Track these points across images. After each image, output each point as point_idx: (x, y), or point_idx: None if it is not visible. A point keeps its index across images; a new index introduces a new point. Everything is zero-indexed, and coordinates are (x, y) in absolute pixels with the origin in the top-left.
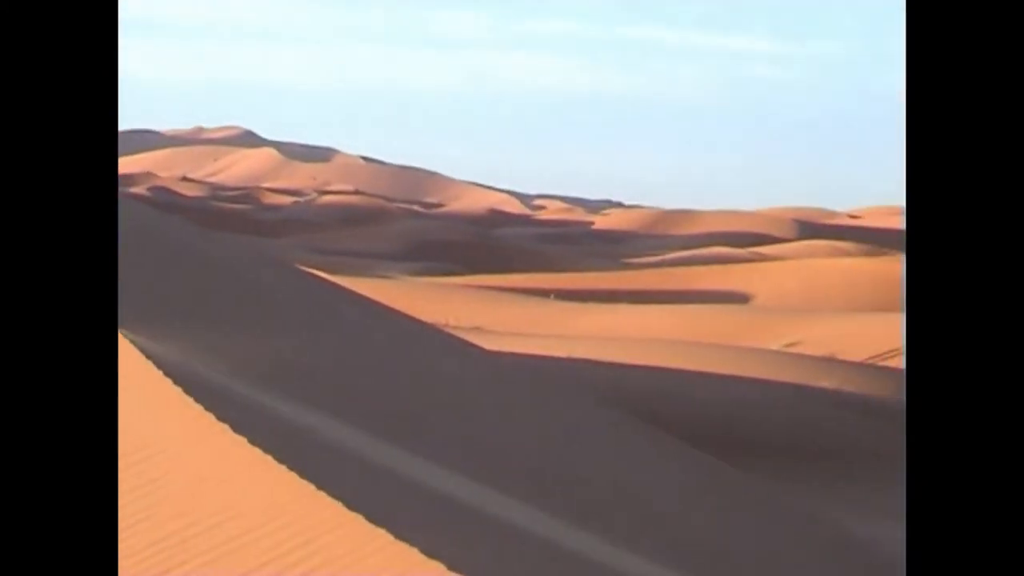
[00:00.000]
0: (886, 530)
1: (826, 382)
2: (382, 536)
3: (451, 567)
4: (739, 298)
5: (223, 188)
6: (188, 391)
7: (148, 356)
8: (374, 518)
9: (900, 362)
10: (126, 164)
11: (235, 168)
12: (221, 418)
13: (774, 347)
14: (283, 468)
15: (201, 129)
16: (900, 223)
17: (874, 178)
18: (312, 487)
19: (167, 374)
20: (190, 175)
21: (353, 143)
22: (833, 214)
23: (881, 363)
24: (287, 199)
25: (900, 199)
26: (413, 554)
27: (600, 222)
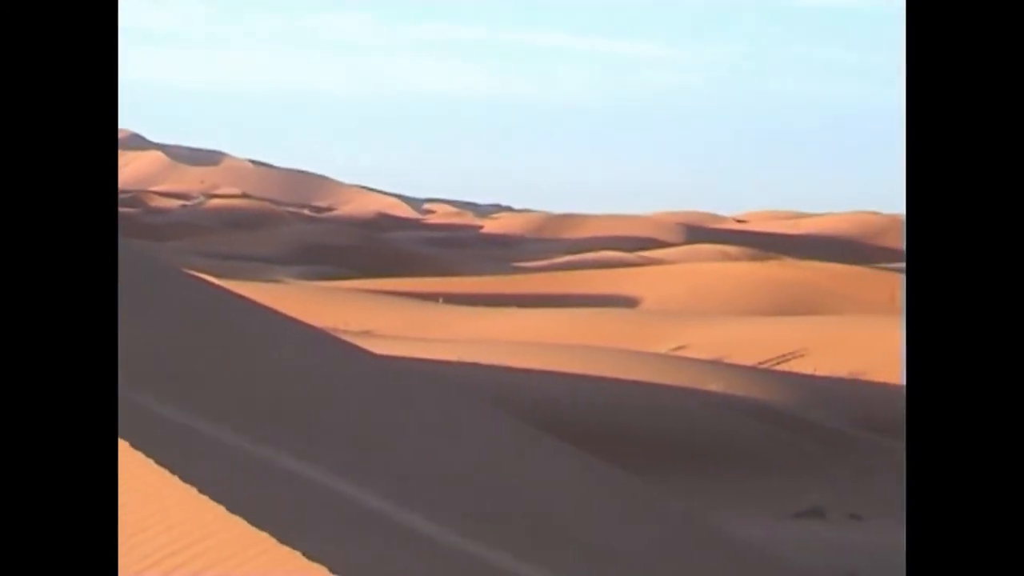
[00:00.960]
0: (772, 530)
1: (713, 385)
2: (265, 539)
3: (333, 570)
4: (627, 302)
5: None
6: None
7: None
8: (257, 521)
9: (792, 367)
10: None
11: (121, 171)
12: None
13: (662, 351)
14: (165, 471)
15: None
16: (785, 228)
17: (760, 183)
18: (195, 490)
19: None
20: None
21: (241, 146)
22: (720, 219)
23: (775, 368)
24: (175, 203)
25: (786, 204)
26: (296, 557)
27: (489, 226)
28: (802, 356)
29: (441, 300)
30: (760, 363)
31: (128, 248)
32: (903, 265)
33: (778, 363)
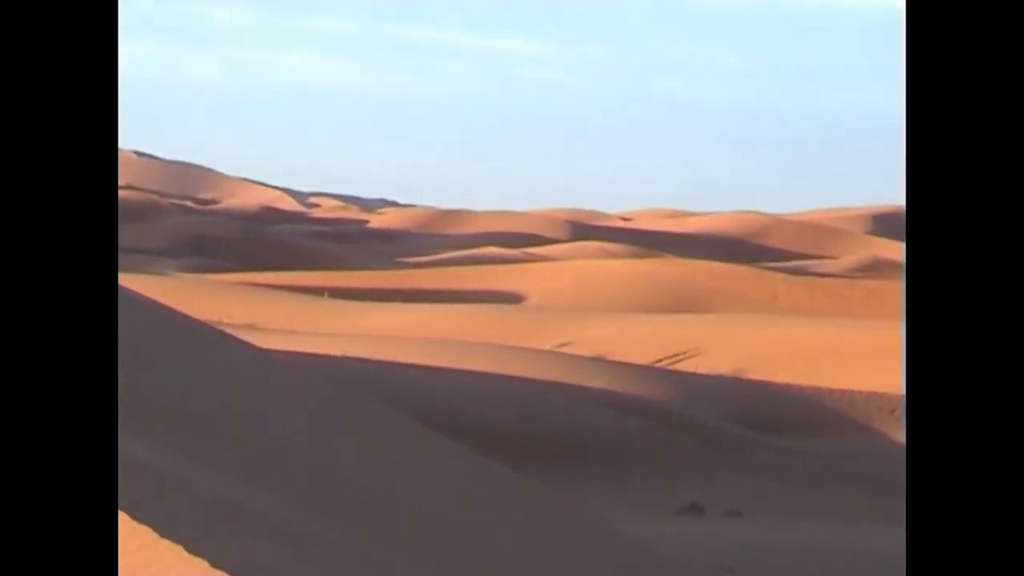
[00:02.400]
0: (654, 527)
1: (596, 382)
2: (146, 533)
3: (214, 564)
4: (512, 298)
5: None
6: None
7: None
8: (138, 515)
9: (685, 366)
10: None
11: None
12: None
13: (546, 347)
14: None
15: None
16: (669, 226)
17: (645, 181)
18: None
19: None
20: None
21: (124, 137)
22: (605, 216)
23: (669, 367)
24: None
25: (670, 202)
26: (177, 551)
27: (375, 221)
28: (696, 356)
29: (326, 294)
30: (655, 362)
31: None
32: (784, 264)
33: (672, 362)
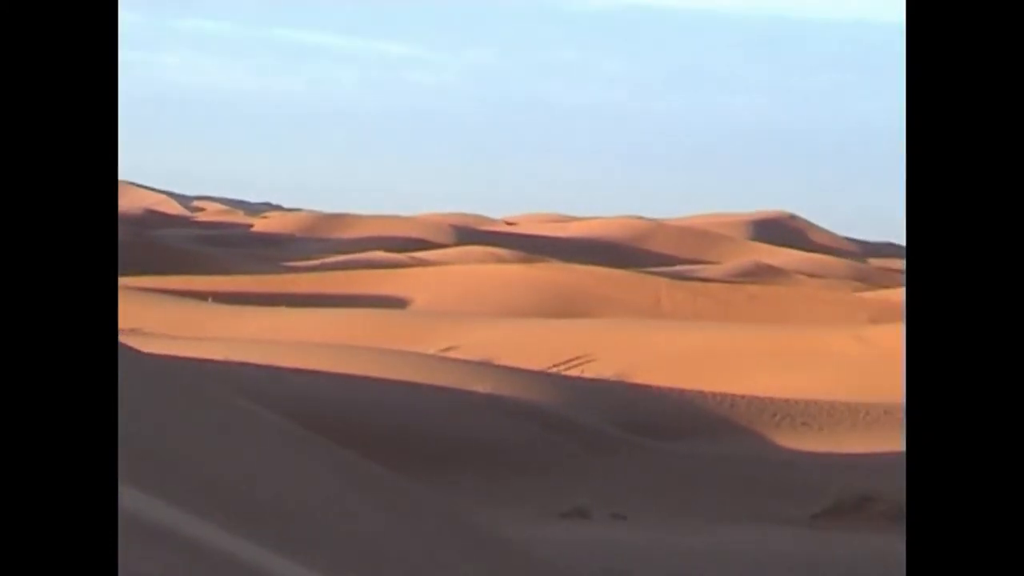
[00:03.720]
0: (539, 531)
1: (481, 386)
2: None
3: None
4: (397, 303)
5: None
6: None
7: None
8: None
9: (579, 371)
10: None
11: None
12: None
13: (431, 351)
14: None
15: None
16: (554, 230)
17: (529, 185)
18: None
19: None
20: None
21: None
22: (490, 221)
23: (581, 375)
24: None
25: (554, 207)
26: None
27: (260, 225)
28: (589, 362)
29: (210, 299)
30: (549, 368)
31: None
32: (667, 269)
33: (564, 369)
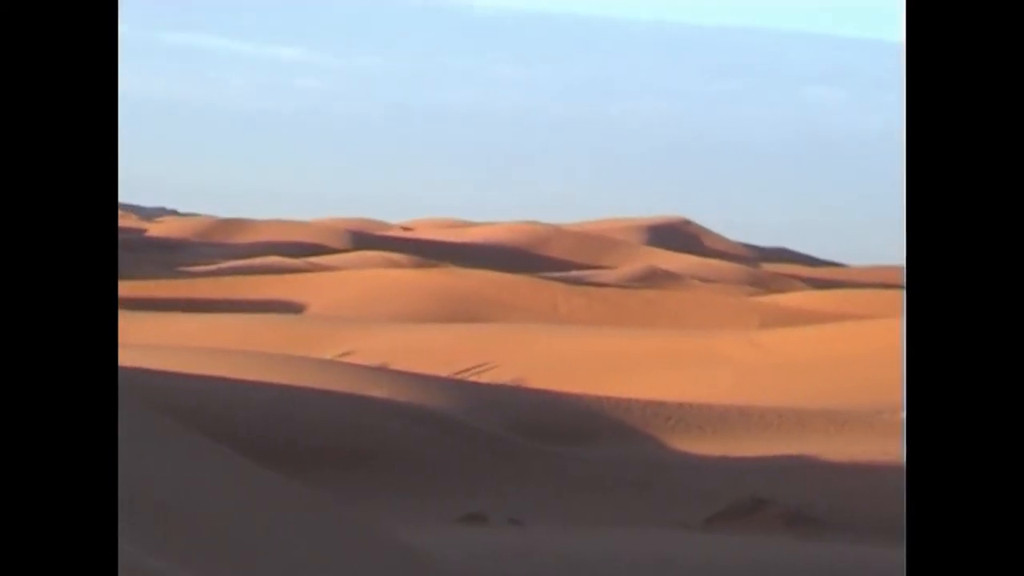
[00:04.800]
0: (436, 536)
1: (378, 391)
2: None
3: None
4: (294, 308)
5: None
6: None
7: None
8: None
9: (483, 378)
10: None
11: None
12: None
13: (327, 356)
14: None
15: None
16: (450, 235)
17: (425, 190)
18: None
19: None
20: None
21: None
22: (386, 225)
23: (478, 380)
24: None
25: (451, 212)
26: None
27: (154, 229)
28: (491, 369)
29: None
30: (457, 373)
31: None
32: (564, 274)
33: (465, 376)
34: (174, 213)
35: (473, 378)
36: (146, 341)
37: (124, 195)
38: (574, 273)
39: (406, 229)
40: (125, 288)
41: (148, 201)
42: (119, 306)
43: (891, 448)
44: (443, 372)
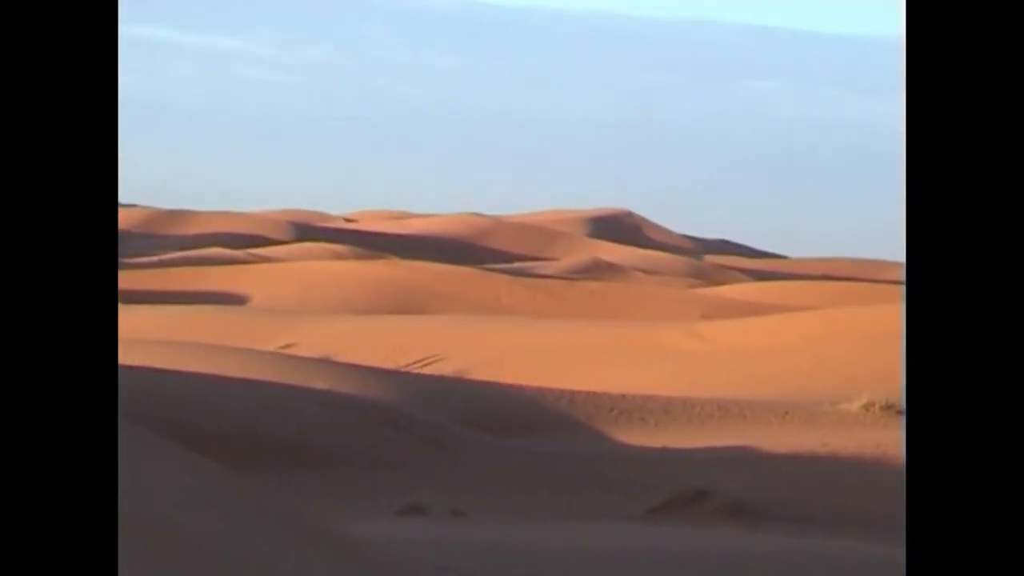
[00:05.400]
0: (377, 528)
1: (321, 383)
2: None
3: None
4: (236, 299)
5: None
6: None
7: None
8: None
9: (426, 370)
10: None
11: None
12: None
13: (270, 348)
14: None
15: None
16: (393, 227)
17: (367, 182)
18: None
19: None
20: None
21: None
22: (328, 217)
23: (426, 371)
24: None
25: (393, 203)
26: None
27: None
28: (438, 361)
29: None
30: (404, 366)
31: None
32: (506, 266)
33: (415, 367)
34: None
35: (416, 370)
36: None
37: None
38: (517, 265)
39: (348, 221)
40: None
41: None
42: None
43: (831, 439)
44: (386, 364)
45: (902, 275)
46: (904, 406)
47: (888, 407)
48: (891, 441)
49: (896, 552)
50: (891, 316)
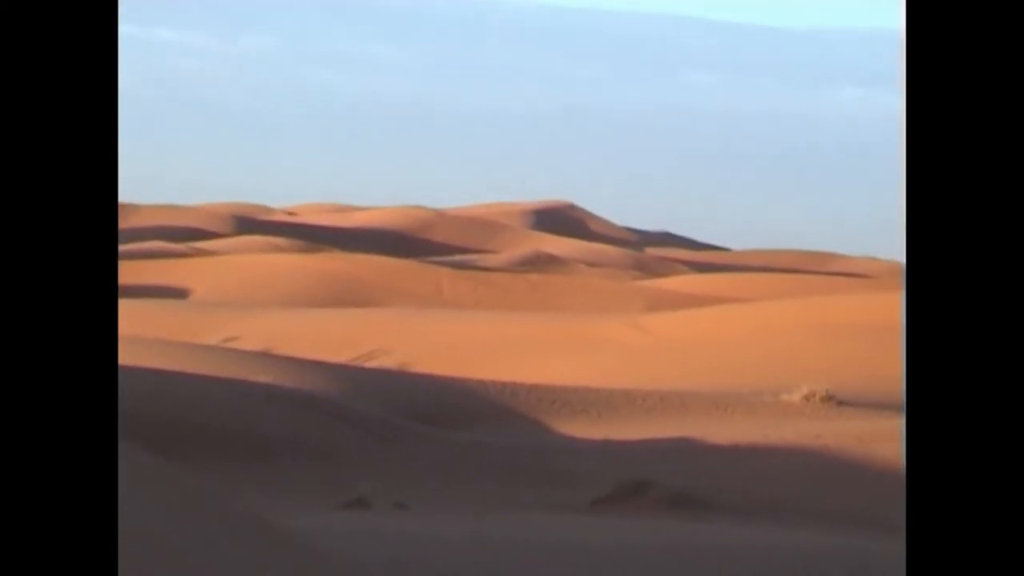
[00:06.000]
0: (319, 521)
1: (262, 376)
2: None
3: None
4: (178, 293)
5: None
6: None
7: None
8: None
9: (369, 364)
10: None
11: None
12: None
13: (211, 342)
14: None
15: None
16: (335, 220)
17: (309, 175)
18: None
19: None
20: None
21: None
22: (270, 210)
23: (369, 365)
24: None
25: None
26: None
27: None
28: (381, 356)
29: None
30: (353, 359)
31: None
32: (449, 258)
33: (369, 359)
34: None
35: (359, 363)
36: None
37: None
38: (459, 257)
39: (290, 214)
40: None
41: None
42: None
43: (772, 430)
44: (328, 357)
45: (843, 267)
46: (904, 406)
47: (828, 398)
48: (831, 432)
49: (836, 540)
50: (832, 308)
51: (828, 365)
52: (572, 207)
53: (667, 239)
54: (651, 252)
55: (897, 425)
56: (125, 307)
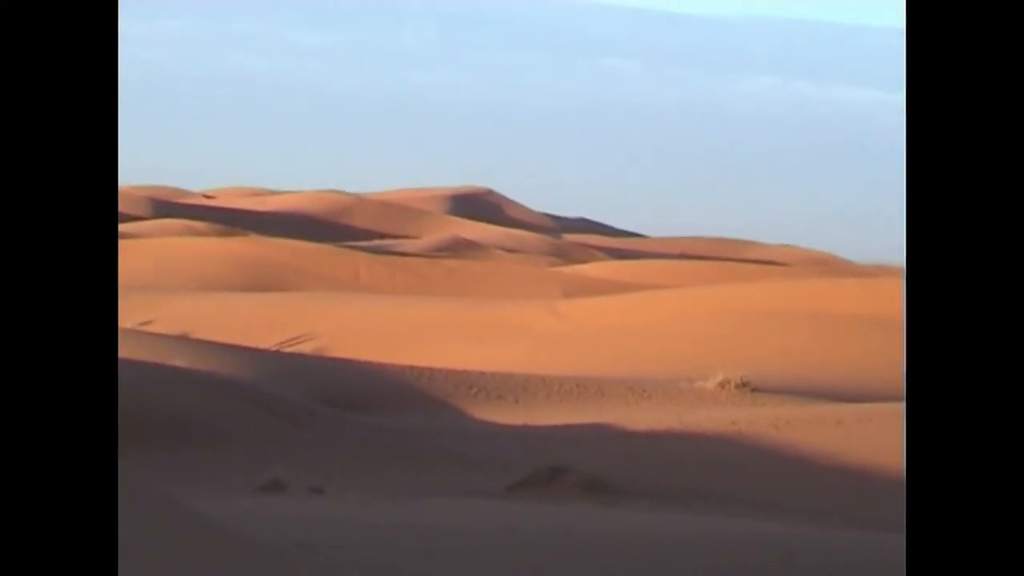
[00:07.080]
0: (235, 504)
1: (178, 360)
2: None
3: None
4: None
5: None
6: None
7: None
8: None
9: (298, 347)
10: None
11: None
12: None
13: (127, 325)
14: None
15: None
16: (252, 204)
17: (226, 158)
18: None
19: None
20: None
21: None
22: (187, 193)
23: (286, 349)
24: None
25: (252, 180)
26: None
27: None
28: (301, 337)
29: None
30: (279, 344)
31: None
32: (366, 243)
33: (295, 344)
34: None
35: (275, 348)
36: None
37: None
38: (376, 242)
39: (207, 197)
40: None
41: None
42: None
43: (687, 416)
44: (244, 341)
45: (760, 255)
46: (904, 405)
47: (743, 385)
48: (745, 418)
49: (749, 526)
50: (747, 295)
51: (744, 352)
52: (490, 192)
53: (585, 225)
54: (568, 238)
55: (811, 412)
56: None
